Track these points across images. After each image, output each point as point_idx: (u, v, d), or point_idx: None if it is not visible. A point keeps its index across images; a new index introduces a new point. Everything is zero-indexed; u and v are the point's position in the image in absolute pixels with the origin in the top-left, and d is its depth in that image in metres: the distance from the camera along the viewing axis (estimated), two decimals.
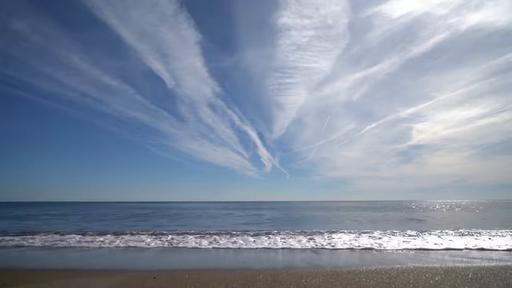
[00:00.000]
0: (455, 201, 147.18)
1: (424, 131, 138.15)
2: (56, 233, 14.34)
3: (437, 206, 59.31)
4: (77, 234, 13.72)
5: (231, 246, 10.70)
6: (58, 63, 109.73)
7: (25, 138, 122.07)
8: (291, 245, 10.83)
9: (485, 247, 10.16)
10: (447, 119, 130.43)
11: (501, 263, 7.58)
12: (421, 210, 42.15)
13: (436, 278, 5.96)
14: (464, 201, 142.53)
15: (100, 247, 10.81)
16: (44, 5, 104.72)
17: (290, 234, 13.59)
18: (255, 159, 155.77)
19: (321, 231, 14.60)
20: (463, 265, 7.33)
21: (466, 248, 10.05)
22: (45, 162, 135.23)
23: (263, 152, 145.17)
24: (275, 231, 14.59)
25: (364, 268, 7.03)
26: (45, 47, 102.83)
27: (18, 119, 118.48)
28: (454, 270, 6.70)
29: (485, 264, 7.49)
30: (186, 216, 31.24)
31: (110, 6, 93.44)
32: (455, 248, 10.11)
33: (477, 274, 6.30)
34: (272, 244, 11.03)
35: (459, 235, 13.00)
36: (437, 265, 7.27)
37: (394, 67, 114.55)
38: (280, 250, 10.18)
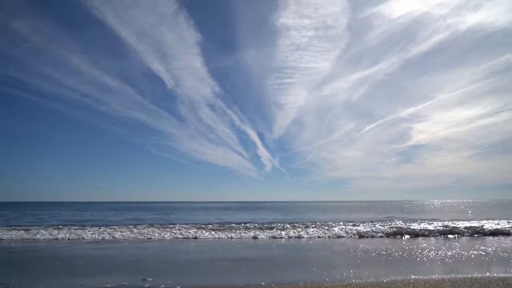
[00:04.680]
0: (456, 201, 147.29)
1: (424, 131, 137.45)
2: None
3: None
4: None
5: None
6: (58, 63, 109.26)
7: (25, 138, 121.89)
8: None
9: None
10: (447, 119, 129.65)
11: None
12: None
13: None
14: (469, 200, 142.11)
15: None
16: (44, 5, 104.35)
17: None
18: (255, 159, 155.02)
19: None
20: None
21: None
22: (45, 162, 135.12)
23: (263, 152, 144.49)
24: None
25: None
26: (45, 47, 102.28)
27: (18, 119, 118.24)
28: None
29: None
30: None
31: (110, 6, 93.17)
32: None
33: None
34: None
35: None
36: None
37: (394, 67, 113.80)
38: None
